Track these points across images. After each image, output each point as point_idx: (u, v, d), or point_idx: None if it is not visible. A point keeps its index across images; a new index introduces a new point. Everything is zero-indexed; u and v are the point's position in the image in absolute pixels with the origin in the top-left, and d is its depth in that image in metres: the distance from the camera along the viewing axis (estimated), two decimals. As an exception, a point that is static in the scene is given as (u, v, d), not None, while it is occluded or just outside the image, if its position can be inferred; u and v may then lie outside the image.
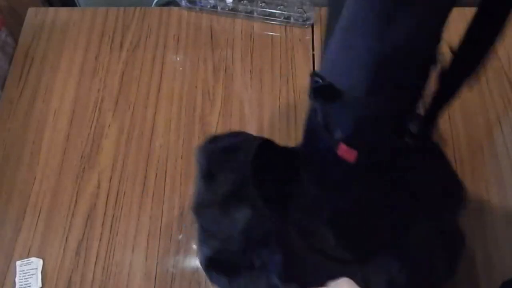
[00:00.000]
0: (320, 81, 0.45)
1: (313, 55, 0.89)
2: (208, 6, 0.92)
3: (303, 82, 0.86)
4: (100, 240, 0.74)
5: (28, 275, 0.71)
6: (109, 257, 0.73)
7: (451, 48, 0.42)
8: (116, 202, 0.76)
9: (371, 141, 0.48)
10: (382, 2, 0.37)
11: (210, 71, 0.87)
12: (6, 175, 0.79)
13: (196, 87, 0.86)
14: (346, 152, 0.47)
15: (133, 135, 0.82)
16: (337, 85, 0.44)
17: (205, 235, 0.56)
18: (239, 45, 0.90)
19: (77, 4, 1.01)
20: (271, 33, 0.91)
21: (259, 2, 0.92)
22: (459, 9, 0.49)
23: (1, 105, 0.85)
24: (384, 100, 0.43)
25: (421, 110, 0.48)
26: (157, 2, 0.97)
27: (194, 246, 0.73)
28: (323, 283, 0.42)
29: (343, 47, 0.43)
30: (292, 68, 0.87)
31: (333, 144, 0.48)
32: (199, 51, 0.90)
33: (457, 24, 0.43)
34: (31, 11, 0.95)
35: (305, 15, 0.90)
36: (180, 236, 0.74)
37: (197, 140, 0.81)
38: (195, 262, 0.72)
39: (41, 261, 0.72)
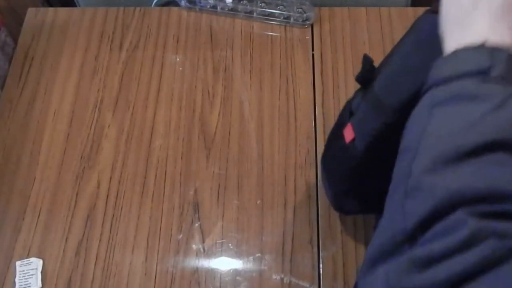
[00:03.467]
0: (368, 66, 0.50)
1: (313, 55, 0.89)
2: (208, 6, 0.92)
3: (303, 81, 0.86)
4: (100, 240, 0.74)
5: (28, 275, 0.71)
6: (109, 257, 0.73)
7: None
8: (116, 202, 0.76)
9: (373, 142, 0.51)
10: None
11: (210, 71, 0.87)
12: (6, 175, 0.79)
13: (195, 87, 0.86)
14: (347, 132, 0.54)
15: (133, 135, 0.82)
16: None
17: None
18: (238, 45, 0.90)
19: (77, 4, 1.01)
20: (271, 33, 0.91)
21: (258, 2, 0.92)
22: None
23: (1, 105, 0.86)
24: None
25: None
26: (156, 2, 0.97)
27: (194, 246, 0.73)
28: None
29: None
30: (291, 68, 0.87)
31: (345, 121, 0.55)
32: (198, 51, 0.90)
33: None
34: (30, 11, 0.95)
35: (304, 15, 0.90)
36: (180, 236, 0.74)
37: (197, 140, 0.81)
38: (195, 262, 0.72)
39: (41, 261, 0.72)
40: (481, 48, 0.33)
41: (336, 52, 0.88)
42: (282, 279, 0.70)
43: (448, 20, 0.37)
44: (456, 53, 0.34)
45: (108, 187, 0.78)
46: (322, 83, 0.86)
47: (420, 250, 0.29)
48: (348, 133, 0.54)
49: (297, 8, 0.91)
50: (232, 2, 0.91)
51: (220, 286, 0.70)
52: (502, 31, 0.33)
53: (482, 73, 0.32)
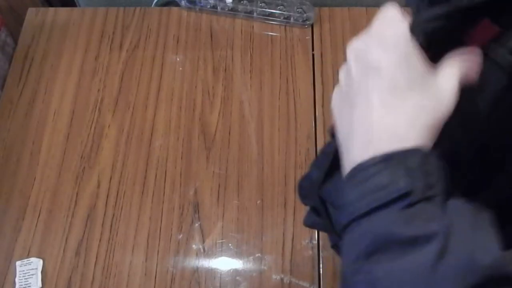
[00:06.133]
0: None
1: (313, 55, 0.89)
2: (208, 6, 0.92)
3: (303, 81, 0.86)
4: (100, 240, 0.74)
5: (28, 275, 0.71)
6: (109, 257, 0.73)
7: None
8: (116, 202, 0.76)
9: None
10: None
11: (210, 71, 0.87)
12: (6, 175, 0.79)
13: (196, 87, 0.86)
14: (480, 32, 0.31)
15: (133, 135, 0.82)
16: None
17: None
18: (239, 45, 0.90)
19: (77, 4, 1.01)
20: (271, 33, 0.91)
21: (259, 2, 0.92)
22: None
23: (1, 105, 0.85)
24: None
25: None
26: (157, 2, 0.97)
27: (194, 246, 0.73)
28: None
29: None
30: (292, 68, 0.87)
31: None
32: (199, 51, 0.90)
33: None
34: (31, 11, 0.95)
35: (305, 15, 0.90)
36: (180, 236, 0.74)
37: (197, 140, 0.81)
38: (195, 262, 0.72)
39: (41, 261, 0.72)
40: (392, 160, 0.27)
41: (336, 52, 0.88)
42: (282, 279, 0.70)
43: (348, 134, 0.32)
44: (362, 170, 0.28)
45: (108, 187, 0.78)
46: (322, 83, 0.86)
47: None
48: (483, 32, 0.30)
49: (297, 8, 0.91)
50: (232, 2, 0.91)
51: (220, 286, 0.70)
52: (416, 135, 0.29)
53: (404, 198, 0.26)
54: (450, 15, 0.30)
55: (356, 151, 0.30)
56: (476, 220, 0.26)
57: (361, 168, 0.29)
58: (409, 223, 0.26)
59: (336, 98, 0.35)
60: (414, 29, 0.31)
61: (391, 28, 0.31)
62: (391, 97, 0.30)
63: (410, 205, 0.26)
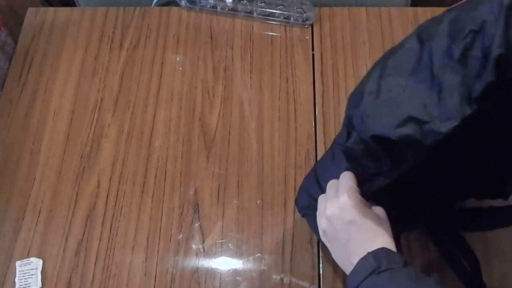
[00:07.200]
0: None
1: (313, 55, 0.89)
2: (208, 6, 0.92)
3: (303, 81, 0.86)
4: (100, 240, 0.74)
5: (28, 275, 0.71)
6: (109, 257, 0.73)
7: None
8: (116, 202, 0.76)
9: None
10: None
11: (210, 71, 0.87)
12: (6, 175, 0.79)
13: (195, 87, 0.86)
14: None
15: (133, 135, 0.82)
16: None
17: None
18: (238, 45, 0.90)
19: (77, 4, 1.01)
20: (271, 33, 0.91)
21: (258, 2, 0.92)
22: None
23: (1, 105, 0.85)
24: None
25: None
26: (156, 2, 0.97)
27: (194, 246, 0.73)
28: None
29: None
30: (291, 68, 0.87)
31: None
32: (198, 51, 0.90)
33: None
34: (30, 11, 0.95)
35: (304, 15, 0.91)
36: (180, 236, 0.74)
37: (197, 140, 0.81)
38: (195, 262, 0.72)
39: (41, 261, 0.72)
40: (368, 256, 0.49)
41: (336, 52, 0.88)
42: (282, 279, 0.70)
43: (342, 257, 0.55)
44: (356, 266, 0.49)
45: (108, 187, 0.78)
46: (322, 83, 0.86)
47: None
48: None
49: (297, 8, 0.91)
50: (232, 2, 0.91)
51: (220, 286, 0.70)
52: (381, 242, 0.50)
53: (375, 271, 0.47)
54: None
55: (353, 255, 0.52)
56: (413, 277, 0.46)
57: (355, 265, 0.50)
58: (375, 280, 0.47)
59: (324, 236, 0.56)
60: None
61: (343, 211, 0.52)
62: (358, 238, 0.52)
63: (379, 273, 0.47)
